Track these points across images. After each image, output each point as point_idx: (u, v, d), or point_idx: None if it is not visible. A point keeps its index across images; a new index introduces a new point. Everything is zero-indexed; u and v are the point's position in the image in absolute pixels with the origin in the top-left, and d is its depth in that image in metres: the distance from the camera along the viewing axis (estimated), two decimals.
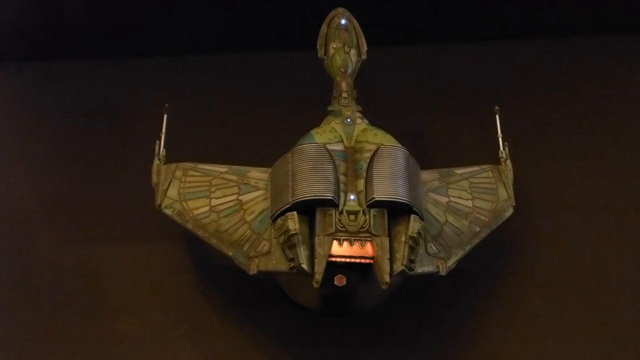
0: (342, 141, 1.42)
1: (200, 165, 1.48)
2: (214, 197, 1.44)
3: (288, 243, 1.33)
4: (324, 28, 1.59)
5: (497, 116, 1.57)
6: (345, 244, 1.31)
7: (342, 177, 1.38)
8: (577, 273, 1.57)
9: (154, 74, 1.91)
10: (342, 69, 1.57)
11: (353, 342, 1.48)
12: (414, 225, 1.34)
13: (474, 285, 1.54)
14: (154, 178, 1.48)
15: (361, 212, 1.34)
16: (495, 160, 1.57)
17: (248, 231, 1.39)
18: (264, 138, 1.75)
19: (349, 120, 1.47)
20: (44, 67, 1.91)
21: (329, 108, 1.53)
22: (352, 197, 1.35)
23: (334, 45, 1.57)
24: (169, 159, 1.53)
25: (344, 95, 1.53)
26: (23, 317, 1.49)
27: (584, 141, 1.79)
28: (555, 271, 1.57)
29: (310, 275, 1.30)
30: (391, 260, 1.31)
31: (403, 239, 1.33)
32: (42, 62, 1.91)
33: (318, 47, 1.59)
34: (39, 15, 1.87)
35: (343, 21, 1.58)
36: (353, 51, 1.57)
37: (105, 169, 1.72)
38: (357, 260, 1.32)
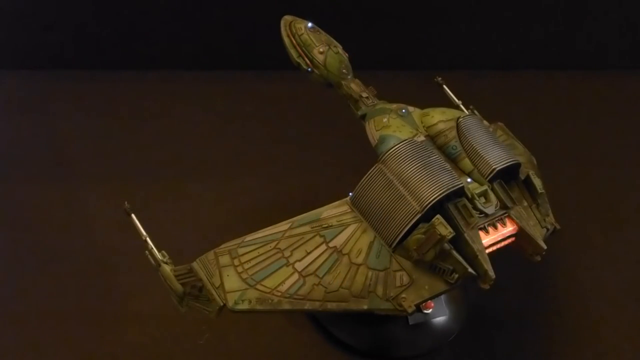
0: (418, 132, 1.29)
1: (248, 237, 1.24)
2: (296, 260, 1.21)
3: (442, 254, 1.17)
4: (287, 40, 1.45)
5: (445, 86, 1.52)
6: (490, 229, 1.20)
7: None
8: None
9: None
10: (343, 70, 1.41)
11: None
12: (537, 181, 1.26)
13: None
14: (176, 287, 1.23)
15: (489, 189, 1.22)
16: None
17: (369, 273, 1.19)
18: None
19: (404, 111, 1.33)
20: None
21: (359, 112, 1.38)
22: (468, 180, 1.24)
23: (320, 50, 1.42)
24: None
25: (364, 95, 1.38)
26: (43, 328, 1.44)
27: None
28: None
29: (481, 276, 1.17)
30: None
31: (525, 203, 1.25)
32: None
33: (297, 60, 1.43)
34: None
35: (309, 24, 1.45)
36: (340, 48, 1.43)
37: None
38: (504, 243, 1.22)
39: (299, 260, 1.19)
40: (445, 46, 1.98)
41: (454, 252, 1.15)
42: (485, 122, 1.38)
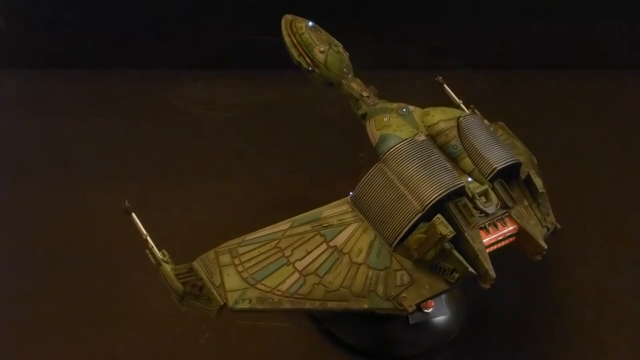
0: (418, 132, 1.28)
1: (249, 237, 1.23)
2: (296, 259, 1.19)
3: (443, 254, 1.15)
4: (288, 39, 1.44)
5: (445, 85, 1.52)
6: (491, 229, 1.19)
7: None
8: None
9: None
10: (344, 69, 1.41)
11: None
12: (537, 180, 1.25)
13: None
14: (177, 286, 1.22)
15: (489, 189, 1.22)
16: None
17: (370, 272, 1.18)
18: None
19: (404, 110, 1.31)
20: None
21: (360, 112, 1.36)
22: (469, 179, 1.22)
23: (321, 49, 1.41)
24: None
25: (365, 94, 1.37)
26: (43, 328, 1.44)
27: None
28: None
29: (481, 276, 1.16)
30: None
31: (526, 203, 1.24)
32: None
33: (298, 59, 1.43)
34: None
35: (310, 23, 1.44)
36: (341, 48, 1.43)
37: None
38: (505, 242, 1.21)
39: (300, 260, 1.18)
40: (446, 46, 1.98)
41: (455, 252, 1.14)
42: (485, 122, 1.37)
